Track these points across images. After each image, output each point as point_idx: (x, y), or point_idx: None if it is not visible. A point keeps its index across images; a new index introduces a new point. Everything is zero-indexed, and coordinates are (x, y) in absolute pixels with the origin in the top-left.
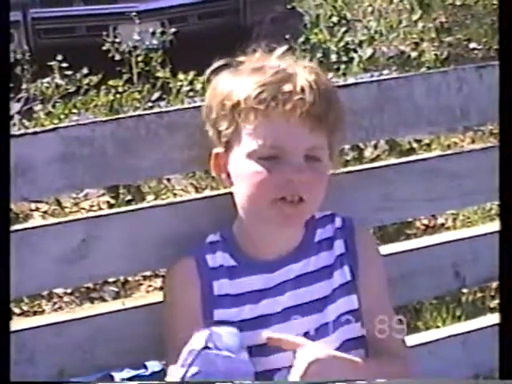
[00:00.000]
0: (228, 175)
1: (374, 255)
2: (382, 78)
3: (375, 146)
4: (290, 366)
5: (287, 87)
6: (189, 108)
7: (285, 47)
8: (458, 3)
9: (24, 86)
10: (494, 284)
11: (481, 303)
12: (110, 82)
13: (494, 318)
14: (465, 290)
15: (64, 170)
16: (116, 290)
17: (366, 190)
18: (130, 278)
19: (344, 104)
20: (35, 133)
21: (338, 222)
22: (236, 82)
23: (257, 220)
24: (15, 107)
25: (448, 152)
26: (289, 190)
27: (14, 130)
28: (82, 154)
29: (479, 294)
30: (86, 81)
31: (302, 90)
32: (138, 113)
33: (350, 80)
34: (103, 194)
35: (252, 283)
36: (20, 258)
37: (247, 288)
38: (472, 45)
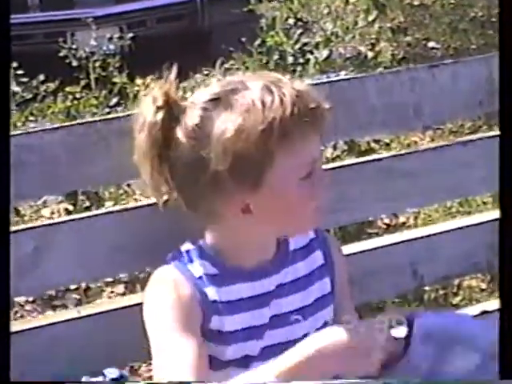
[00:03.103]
0: None
1: (343, 263)
2: (334, 79)
3: (334, 147)
4: None
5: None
6: None
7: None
8: (415, 3)
9: None
10: (456, 281)
11: (443, 300)
12: (67, 89)
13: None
14: (427, 288)
15: (16, 179)
16: (78, 297)
17: None
18: (92, 285)
19: None
20: None
21: (310, 232)
22: None
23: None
24: None
25: (404, 151)
26: None
27: None
28: (34, 162)
29: (441, 292)
30: (42, 88)
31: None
32: (88, 119)
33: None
34: (62, 201)
35: (238, 291)
36: None
37: (235, 296)
38: (430, 44)
